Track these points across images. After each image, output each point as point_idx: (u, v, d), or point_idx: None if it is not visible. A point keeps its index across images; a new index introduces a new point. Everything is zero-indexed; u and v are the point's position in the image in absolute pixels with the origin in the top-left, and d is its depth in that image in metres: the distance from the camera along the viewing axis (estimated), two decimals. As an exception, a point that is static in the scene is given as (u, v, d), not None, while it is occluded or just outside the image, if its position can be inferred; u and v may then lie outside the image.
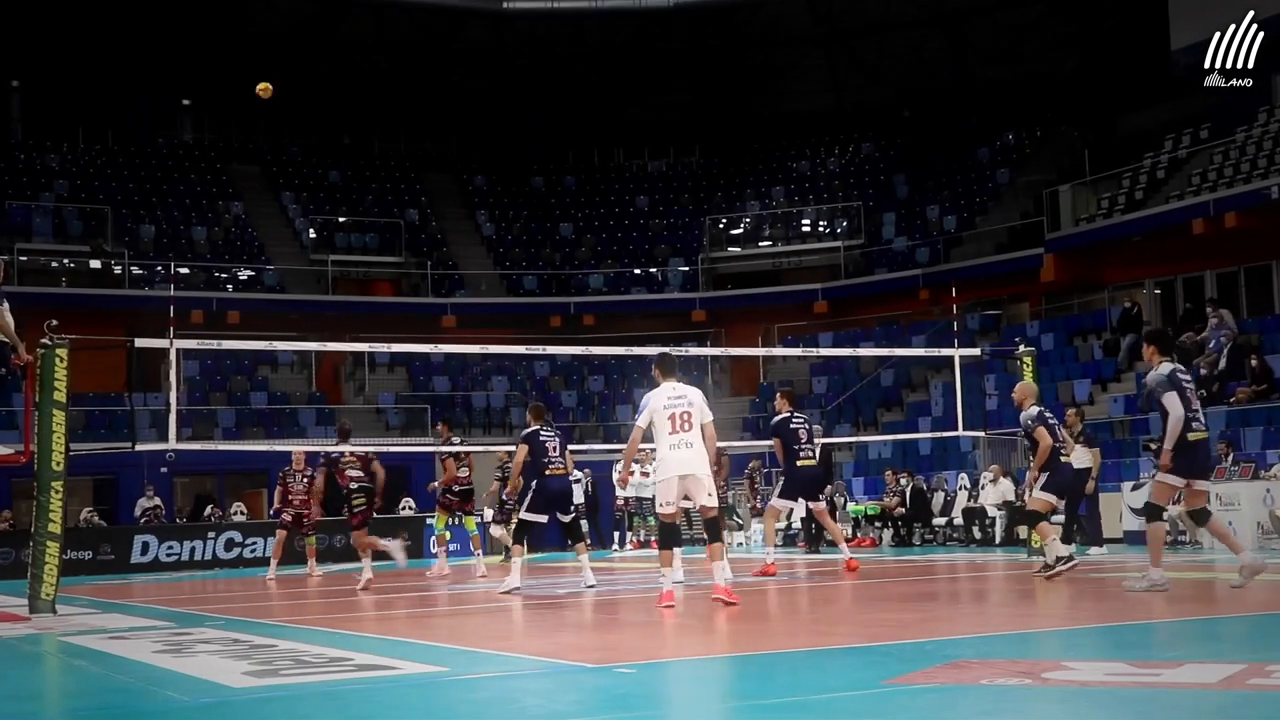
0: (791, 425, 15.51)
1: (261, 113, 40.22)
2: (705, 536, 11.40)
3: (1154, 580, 10.12)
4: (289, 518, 19.27)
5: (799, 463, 15.44)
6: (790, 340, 34.60)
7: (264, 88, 16.30)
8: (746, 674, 7.41)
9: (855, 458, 30.54)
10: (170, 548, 25.32)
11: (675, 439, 10.74)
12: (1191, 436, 10.13)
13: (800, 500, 16.54)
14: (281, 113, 40.24)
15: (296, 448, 20.62)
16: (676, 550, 11.84)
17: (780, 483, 16.45)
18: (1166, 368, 10.38)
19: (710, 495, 10.87)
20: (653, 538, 23.98)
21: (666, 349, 11.40)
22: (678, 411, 10.79)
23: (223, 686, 7.20)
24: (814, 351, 29.94)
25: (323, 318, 33.67)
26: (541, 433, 14.25)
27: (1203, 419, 10.27)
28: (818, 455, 15.93)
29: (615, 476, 26.26)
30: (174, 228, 36.13)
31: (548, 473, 14.16)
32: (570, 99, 41.32)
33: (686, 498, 11.17)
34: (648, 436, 11.27)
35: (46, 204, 34.97)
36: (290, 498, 19.29)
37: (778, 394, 16.50)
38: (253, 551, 25.76)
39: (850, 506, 25.86)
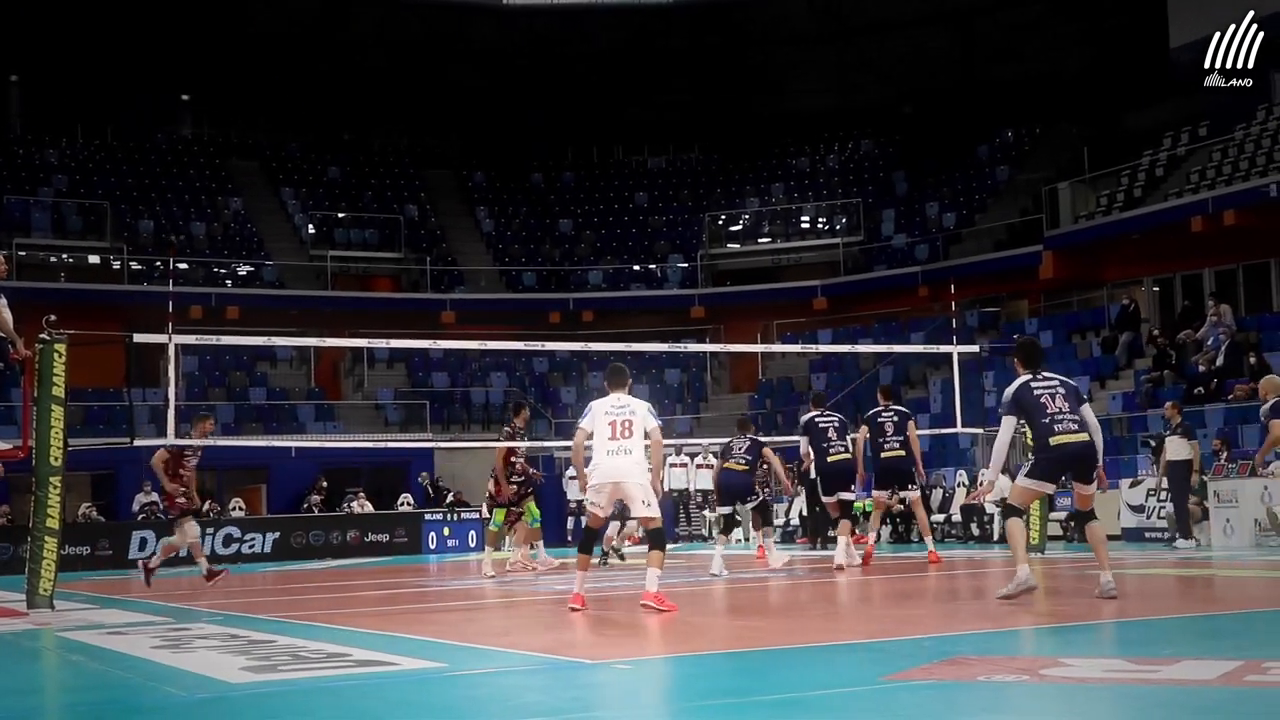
0: (819, 424, 16.15)
1: (261, 108, 40.24)
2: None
3: (1020, 580, 10.02)
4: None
5: (829, 458, 16.06)
6: (789, 337, 34.59)
7: None
8: (744, 670, 7.41)
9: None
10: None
11: (614, 445, 10.51)
12: (1054, 441, 10.06)
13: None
14: (281, 108, 40.25)
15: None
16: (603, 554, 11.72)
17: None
18: (1017, 383, 10.36)
19: (647, 505, 10.53)
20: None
21: (618, 363, 11.25)
22: (619, 419, 10.57)
23: (221, 682, 7.20)
24: (813, 348, 29.95)
25: (322, 313, 33.66)
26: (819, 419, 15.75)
27: (1072, 422, 10.10)
28: (850, 449, 16.35)
29: (572, 480, 26.49)
30: (173, 223, 36.10)
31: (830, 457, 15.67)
32: (570, 95, 41.30)
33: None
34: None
35: (45, 199, 34.94)
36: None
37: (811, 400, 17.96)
38: (251, 547, 25.77)
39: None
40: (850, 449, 16.27)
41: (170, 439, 15.35)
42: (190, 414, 29.98)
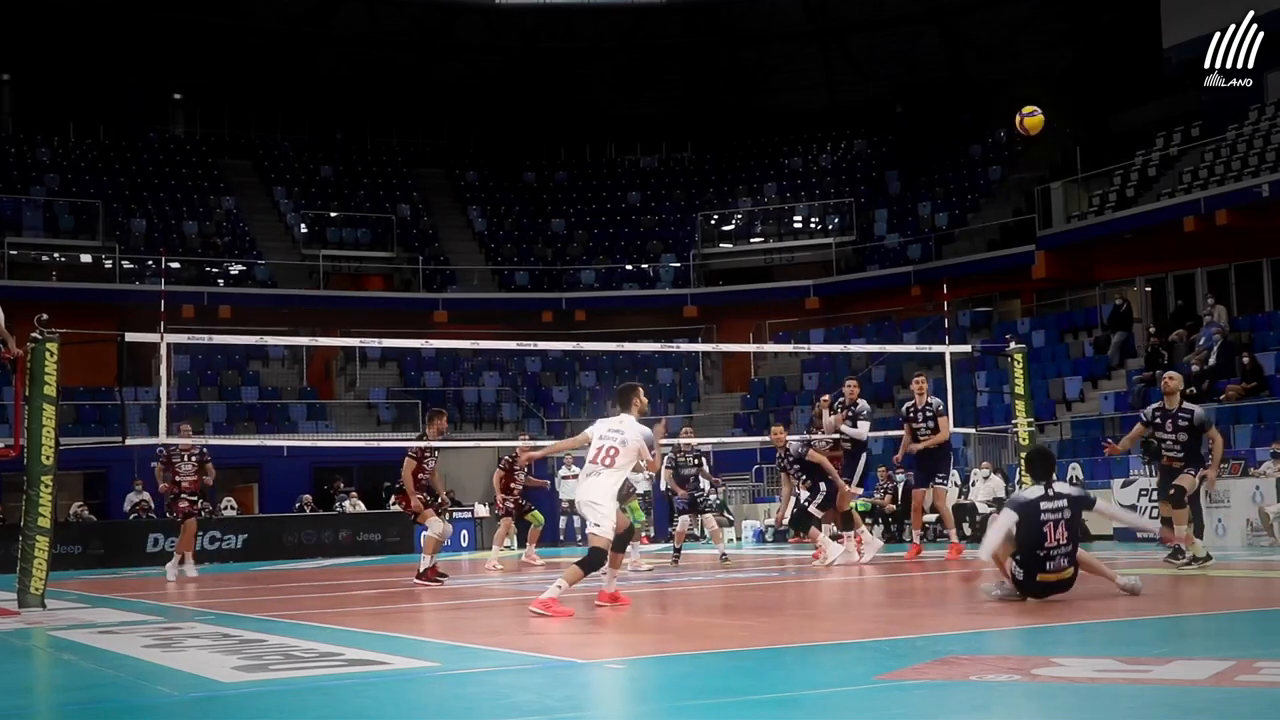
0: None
1: (253, 107, 40.20)
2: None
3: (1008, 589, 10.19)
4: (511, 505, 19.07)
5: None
6: (782, 336, 34.62)
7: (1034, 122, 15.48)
8: (737, 670, 7.41)
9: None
10: (158, 542, 25.21)
11: (591, 468, 10.63)
12: (1040, 578, 10.05)
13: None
14: (273, 107, 40.21)
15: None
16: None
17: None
18: (1030, 495, 10.32)
19: (597, 525, 10.45)
20: (643, 533, 24.10)
21: (631, 384, 11.30)
22: (606, 445, 10.62)
23: (212, 681, 7.18)
24: (805, 348, 29.98)
25: (314, 313, 33.64)
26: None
27: (1064, 558, 10.03)
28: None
29: (565, 480, 26.65)
30: (165, 222, 36.05)
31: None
32: (562, 94, 41.30)
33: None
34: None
35: (37, 198, 34.88)
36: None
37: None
38: (229, 545, 25.69)
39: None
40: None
41: (162, 438, 15.30)
42: (182, 413, 30.12)
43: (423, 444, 15.22)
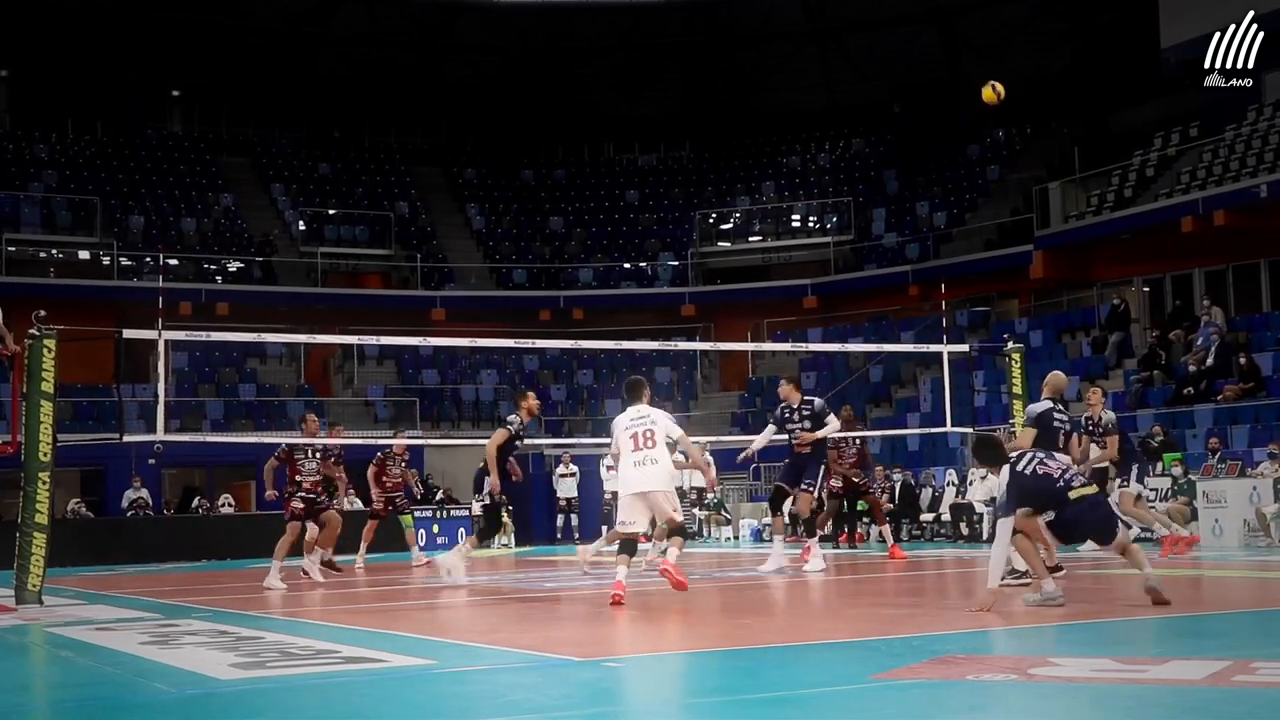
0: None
1: (251, 104, 40.18)
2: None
3: (1049, 593, 9.95)
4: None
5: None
6: (780, 335, 34.60)
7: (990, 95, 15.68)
8: (734, 669, 7.41)
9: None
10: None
11: (639, 456, 10.76)
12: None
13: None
14: (272, 104, 40.19)
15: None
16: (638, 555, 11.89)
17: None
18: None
19: (675, 510, 11.01)
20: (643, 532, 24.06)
21: (637, 377, 11.49)
22: (639, 430, 10.82)
23: (209, 678, 7.19)
24: (803, 347, 29.97)
25: (312, 310, 33.62)
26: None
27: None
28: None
29: (562, 478, 26.74)
30: (163, 219, 36.03)
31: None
32: (561, 93, 41.28)
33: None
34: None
35: (35, 194, 34.85)
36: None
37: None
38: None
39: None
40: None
41: (160, 434, 15.27)
42: (180, 410, 30.13)
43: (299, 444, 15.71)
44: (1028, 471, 9.57)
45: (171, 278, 33.17)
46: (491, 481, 14.26)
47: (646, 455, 10.74)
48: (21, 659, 9.19)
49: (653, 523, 12.38)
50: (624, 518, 10.99)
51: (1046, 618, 9.13)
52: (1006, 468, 9.66)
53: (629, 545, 11.06)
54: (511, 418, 14.09)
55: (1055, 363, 29.04)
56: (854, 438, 18.33)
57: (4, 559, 13.91)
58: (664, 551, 17.74)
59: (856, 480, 18.23)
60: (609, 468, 25.64)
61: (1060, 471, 9.63)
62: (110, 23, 37.15)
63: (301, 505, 15.83)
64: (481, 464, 13.93)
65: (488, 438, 14.59)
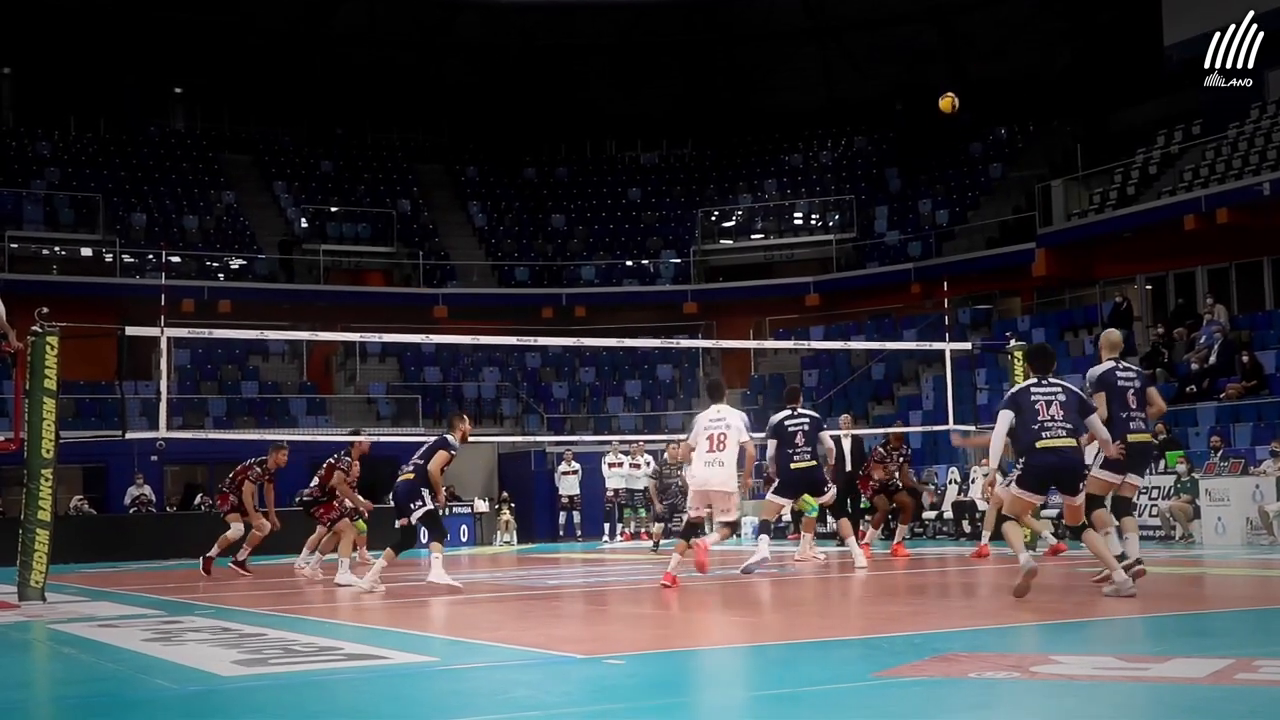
0: (788, 428, 15.00)
1: (253, 102, 40.18)
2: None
3: (1023, 564, 9.96)
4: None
5: (793, 465, 14.92)
6: (782, 333, 34.61)
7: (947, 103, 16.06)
8: (736, 666, 7.42)
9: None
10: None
11: (710, 457, 12.26)
12: (1040, 444, 10.00)
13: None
14: (274, 102, 40.19)
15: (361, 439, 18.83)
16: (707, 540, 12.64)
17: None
18: (1020, 385, 10.60)
19: (727, 511, 12.52)
20: (643, 529, 24.38)
21: (717, 378, 12.54)
22: (715, 433, 12.27)
23: (211, 675, 7.19)
24: (805, 344, 29.99)
25: (314, 308, 33.62)
26: (788, 423, 14.76)
27: (1061, 429, 10.02)
28: (818, 457, 15.34)
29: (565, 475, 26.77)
30: (166, 216, 36.04)
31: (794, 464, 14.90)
32: (562, 91, 41.27)
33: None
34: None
35: (38, 191, 34.86)
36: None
37: (785, 395, 16.29)
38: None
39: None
40: (817, 455, 15.23)
41: (162, 431, 15.28)
42: (182, 407, 30.15)
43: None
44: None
45: (174, 275, 33.13)
46: (439, 497, 14.15)
47: (716, 457, 12.21)
48: (24, 655, 9.21)
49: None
50: (691, 502, 12.76)
51: (1048, 615, 9.13)
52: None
53: (691, 530, 12.58)
54: (452, 439, 13.82)
55: (1058, 360, 29.07)
56: (898, 453, 18.55)
57: (7, 556, 13.94)
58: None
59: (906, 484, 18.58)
60: (610, 465, 25.69)
61: (1049, 418, 10.13)
62: (112, 21, 37.15)
63: (350, 504, 16.44)
64: (410, 476, 13.59)
65: (490, 435, 14.62)
